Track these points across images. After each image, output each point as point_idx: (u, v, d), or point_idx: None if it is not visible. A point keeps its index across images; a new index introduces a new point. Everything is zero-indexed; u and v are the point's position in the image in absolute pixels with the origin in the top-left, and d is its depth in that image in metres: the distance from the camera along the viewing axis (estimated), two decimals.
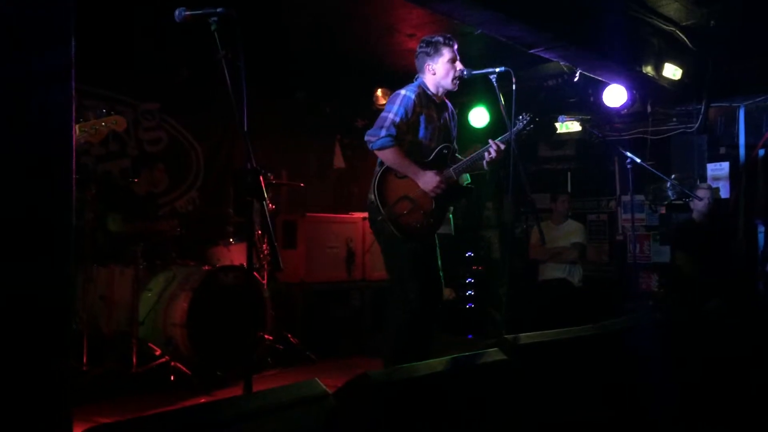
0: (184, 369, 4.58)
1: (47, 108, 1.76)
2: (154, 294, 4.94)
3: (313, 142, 7.53)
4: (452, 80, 3.86)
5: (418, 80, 3.94)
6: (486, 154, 3.79)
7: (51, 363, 1.80)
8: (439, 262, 3.93)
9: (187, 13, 2.84)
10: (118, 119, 4.08)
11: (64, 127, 1.81)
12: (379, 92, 7.33)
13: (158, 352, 4.66)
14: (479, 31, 5.15)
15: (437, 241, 3.94)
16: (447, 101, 4.06)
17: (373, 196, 3.75)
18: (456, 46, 3.88)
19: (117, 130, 4.13)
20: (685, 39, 6.28)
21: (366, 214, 3.97)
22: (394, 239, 3.73)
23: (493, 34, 5.09)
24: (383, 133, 3.70)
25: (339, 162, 7.70)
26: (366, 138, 3.78)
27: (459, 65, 3.86)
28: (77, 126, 3.83)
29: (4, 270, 1.72)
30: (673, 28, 6.12)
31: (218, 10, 2.76)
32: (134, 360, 4.48)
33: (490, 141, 3.79)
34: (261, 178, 2.65)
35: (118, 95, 6.03)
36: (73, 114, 1.83)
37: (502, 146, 3.78)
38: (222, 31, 2.76)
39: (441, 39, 3.87)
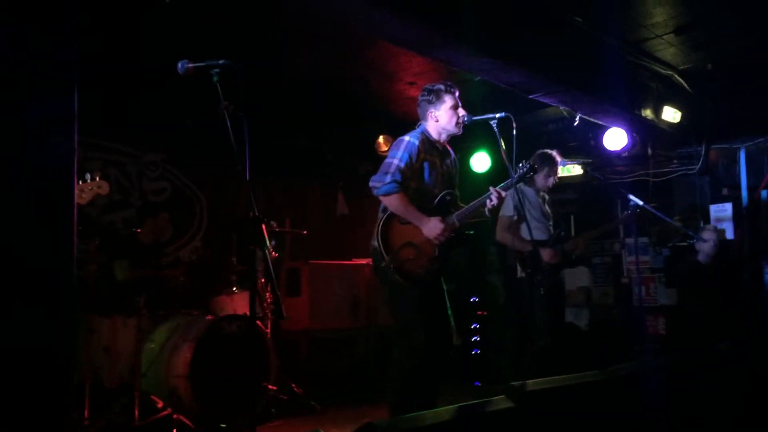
0: (187, 422, 4.51)
1: (48, 156, 1.77)
2: (156, 345, 4.89)
3: (316, 189, 7.56)
4: (456, 125, 3.90)
5: (421, 127, 3.96)
6: (488, 201, 3.79)
7: (51, 416, 1.78)
8: (449, 307, 3.88)
9: (190, 65, 2.89)
10: (102, 184, 4.27)
11: (65, 176, 1.82)
12: (381, 139, 7.39)
13: (161, 405, 4.60)
14: (479, 78, 5.21)
15: (444, 286, 3.91)
16: (449, 148, 4.08)
17: (376, 243, 3.73)
18: (457, 93, 3.92)
19: (101, 193, 4.29)
20: (683, 82, 6.35)
21: (370, 260, 3.95)
22: (398, 285, 3.70)
23: (493, 80, 5.16)
24: (388, 178, 3.71)
25: (342, 208, 7.71)
26: (371, 184, 3.77)
27: (461, 111, 3.91)
28: None
29: (4, 321, 1.71)
30: (671, 72, 6.19)
31: (220, 61, 2.81)
32: (136, 413, 4.41)
33: (491, 188, 3.79)
34: (263, 227, 2.66)
35: (123, 146, 6.11)
36: (75, 164, 1.84)
37: (503, 193, 3.80)
38: (224, 82, 2.80)
39: (442, 87, 3.92)
